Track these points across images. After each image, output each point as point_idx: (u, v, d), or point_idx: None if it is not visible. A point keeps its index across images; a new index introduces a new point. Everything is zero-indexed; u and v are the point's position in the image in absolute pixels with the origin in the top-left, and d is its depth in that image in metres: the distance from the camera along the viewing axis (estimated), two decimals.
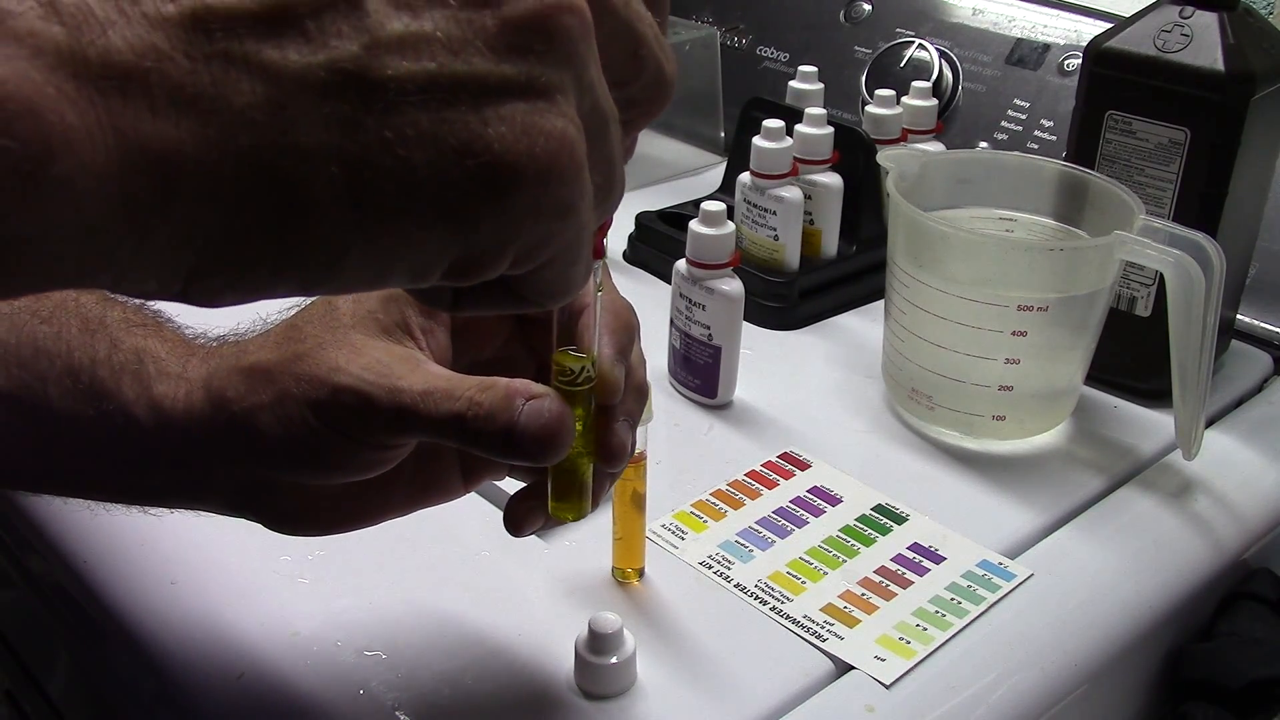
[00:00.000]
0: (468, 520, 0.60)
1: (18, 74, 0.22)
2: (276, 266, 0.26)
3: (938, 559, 0.58)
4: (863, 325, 0.80)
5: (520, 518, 0.43)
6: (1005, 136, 0.91)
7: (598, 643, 0.48)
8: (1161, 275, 0.62)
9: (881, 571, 0.57)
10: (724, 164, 0.96)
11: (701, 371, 0.69)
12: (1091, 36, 0.69)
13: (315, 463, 0.39)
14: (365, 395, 0.38)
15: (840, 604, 0.55)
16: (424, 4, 0.25)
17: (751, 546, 0.58)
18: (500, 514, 0.60)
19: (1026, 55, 0.92)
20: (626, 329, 0.41)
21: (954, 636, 0.53)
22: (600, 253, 0.37)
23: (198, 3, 0.24)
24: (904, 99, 0.86)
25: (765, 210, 0.78)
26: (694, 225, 0.67)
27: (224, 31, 0.24)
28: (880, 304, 0.71)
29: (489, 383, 0.38)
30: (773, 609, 0.54)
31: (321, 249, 0.26)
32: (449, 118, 0.25)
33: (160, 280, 0.26)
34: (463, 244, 0.27)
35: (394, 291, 0.41)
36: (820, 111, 0.79)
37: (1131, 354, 0.70)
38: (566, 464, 0.39)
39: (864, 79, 0.98)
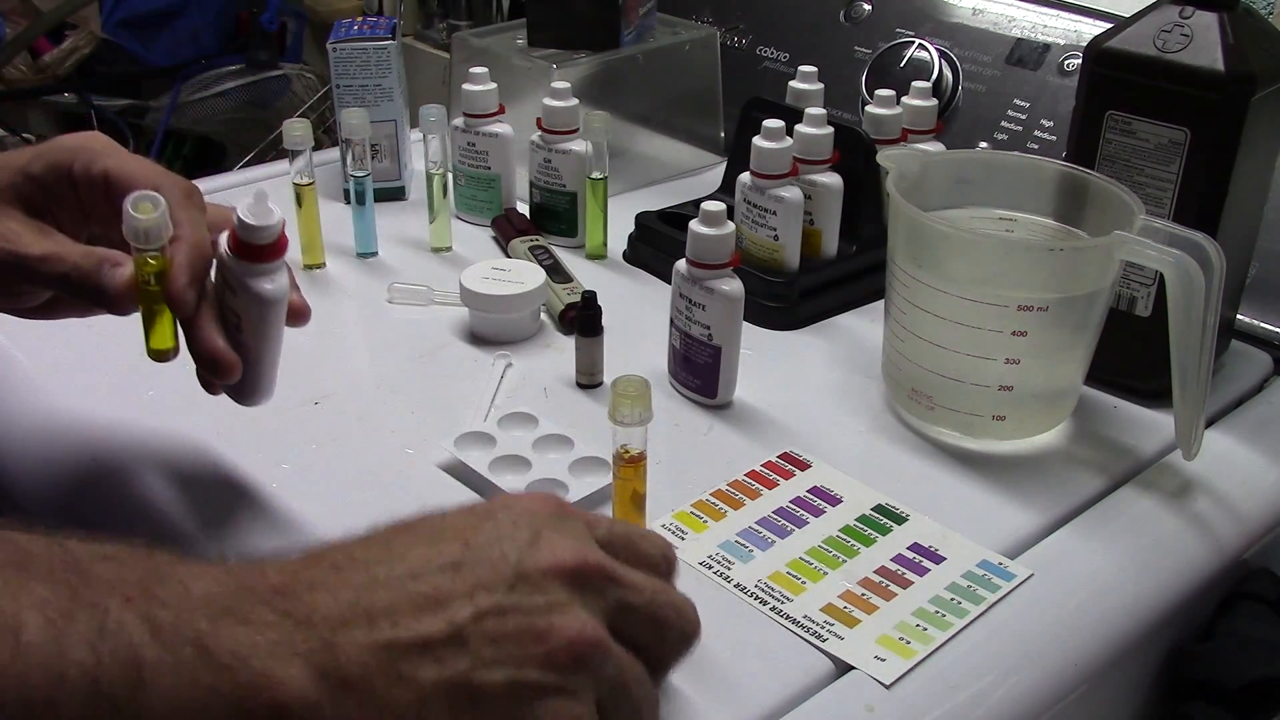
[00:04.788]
0: None
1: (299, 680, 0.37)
2: None
3: (938, 559, 0.58)
4: (863, 325, 0.80)
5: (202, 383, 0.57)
6: (1005, 136, 0.91)
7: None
8: (1161, 275, 0.62)
9: (881, 571, 0.57)
10: (724, 164, 0.96)
11: (701, 371, 0.69)
12: (1091, 36, 0.69)
13: None
14: None
15: (840, 604, 0.55)
16: (503, 636, 0.39)
17: (751, 546, 0.58)
18: None
19: (1026, 55, 0.92)
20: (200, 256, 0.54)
21: (954, 636, 0.53)
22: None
23: (400, 635, 0.39)
24: (904, 99, 0.86)
25: (765, 210, 0.78)
26: (694, 225, 0.67)
27: (407, 657, 0.39)
28: (880, 304, 0.71)
29: (90, 251, 0.54)
30: (773, 609, 0.54)
31: None
32: (515, 710, 0.39)
33: None
34: None
35: (33, 174, 0.55)
36: (820, 111, 0.79)
37: (1131, 354, 0.70)
38: (147, 312, 0.54)
39: (864, 79, 0.98)
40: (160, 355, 0.55)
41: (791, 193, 0.77)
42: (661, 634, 0.44)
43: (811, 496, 0.62)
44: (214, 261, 0.54)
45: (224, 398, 0.58)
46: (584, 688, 0.40)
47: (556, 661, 0.40)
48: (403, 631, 0.39)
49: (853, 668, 0.52)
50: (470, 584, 0.40)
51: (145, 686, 0.35)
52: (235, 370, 0.54)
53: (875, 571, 0.57)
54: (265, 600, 0.38)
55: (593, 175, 0.87)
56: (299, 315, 0.58)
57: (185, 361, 0.58)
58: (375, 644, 0.38)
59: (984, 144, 0.91)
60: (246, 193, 0.52)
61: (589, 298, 0.71)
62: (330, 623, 0.38)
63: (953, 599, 0.55)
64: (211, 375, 0.55)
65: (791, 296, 0.79)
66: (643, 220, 0.88)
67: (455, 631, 0.39)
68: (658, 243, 0.86)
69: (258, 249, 0.52)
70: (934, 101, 0.86)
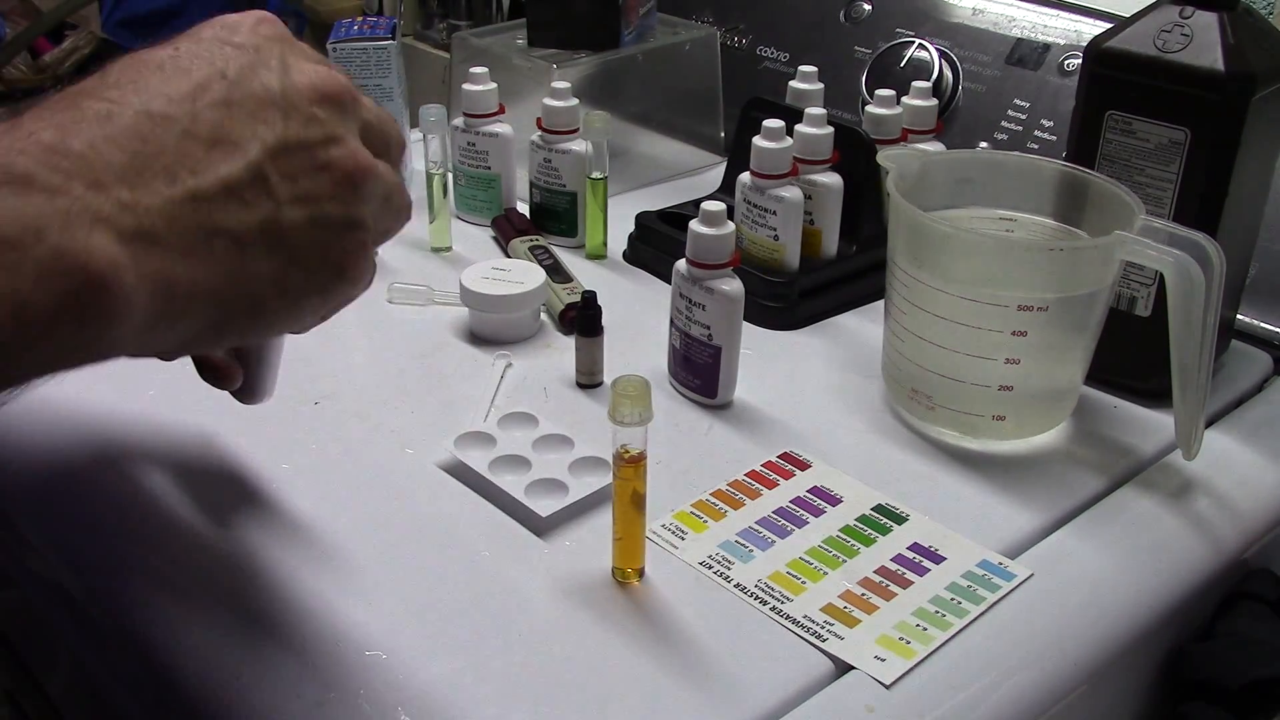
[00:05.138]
0: (468, 520, 0.60)
1: (101, 246, 0.35)
2: (232, 339, 0.43)
3: (938, 559, 0.58)
4: (863, 325, 0.80)
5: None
6: (1005, 136, 0.91)
7: None
8: (1161, 275, 0.62)
9: (881, 571, 0.57)
10: (724, 164, 0.96)
11: (701, 371, 0.69)
12: (1091, 36, 0.69)
13: None
14: None
15: (840, 604, 0.55)
16: (295, 172, 0.41)
17: (751, 546, 0.58)
18: (501, 514, 0.61)
19: (1026, 55, 0.92)
20: None
21: (954, 636, 0.53)
22: None
23: (201, 184, 0.38)
24: (904, 99, 0.86)
25: (765, 210, 0.78)
26: (694, 225, 0.67)
27: (212, 205, 0.38)
28: (880, 304, 0.71)
29: None
30: (773, 609, 0.54)
31: (263, 328, 0.43)
32: (321, 246, 0.42)
33: (159, 355, 0.42)
34: (320, 316, 0.45)
35: None
36: (820, 111, 0.79)
37: (1131, 354, 0.70)
38: None
39: (864, 79, 0.98)
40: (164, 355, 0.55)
41: (791, 193, 0.77)
42: (388, 144, 0.46)
43: (811, 496, 0.62)
44: None
45: (224, 397, 0.58)
46: (366, 214, 0.43)
47: (343, 193, 0.41)
48: (204, 179, 0.38)
49: (853, 668, 0.52)
50: (248, 119, 0.40)
51: None
52: (235, 378, 0.55)
53: (875, 571, 0.57)
54: (44, 163, 0.35)
55: (593, 175, 0.87)
56: None
57: (184, 362, 0.58)
58: (180, 196, 0.37)
59: (984, 144, 0.91)
60: None
61: (589, 298, 0.71)
62: (125, 180, 0.36)
63: (953, 599, 0.55)
64: (211, 383, 0.55)
65: (791, 296, 0.79)
66: (643, 220, 0.88)
67: (254, 173, 0.39)
68: (658, 243, 0.86)
69: None
70: (934, 101, 0.86)
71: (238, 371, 0.55)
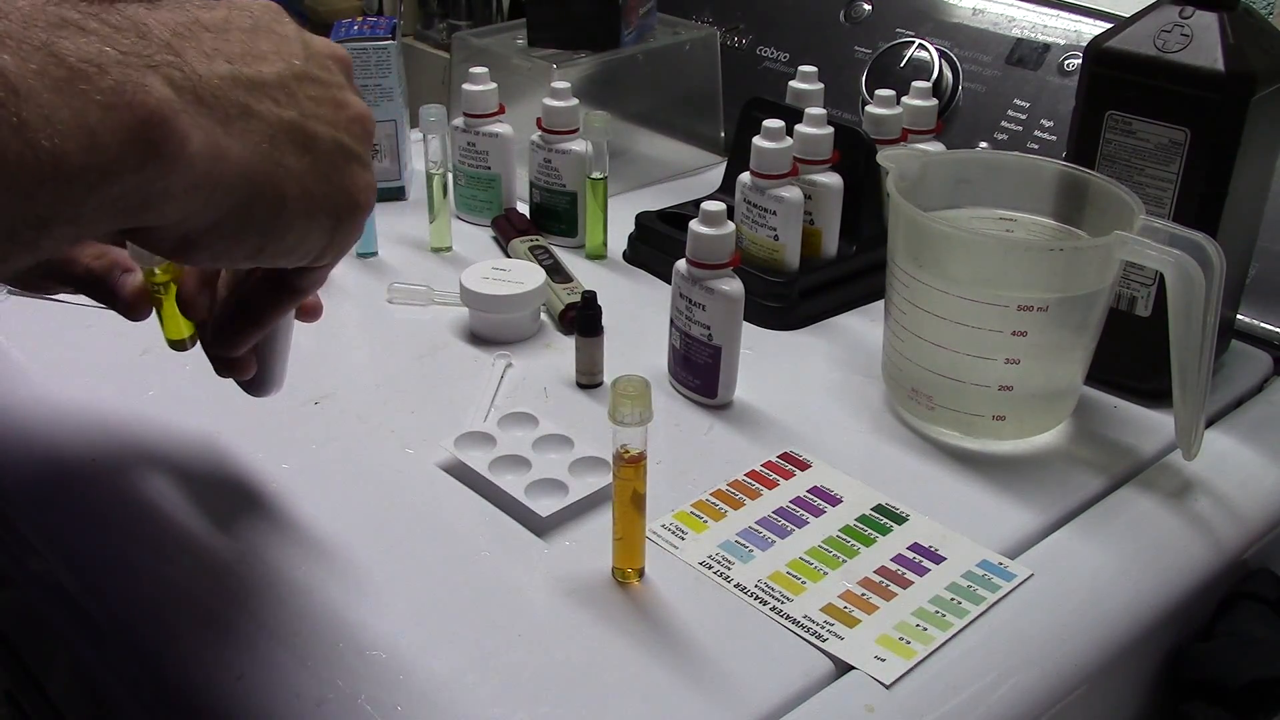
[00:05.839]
0: (468, 520, 0.60)
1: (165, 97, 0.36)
2: (251, 238, 0.42)
3: (938, 559, 0.58)
4: (863, 325, 0.80)
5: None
6: (1005, 136, 0.91)
7: None
8: (1161, 275, 0.62)
9: (881, 571, 0.57)
10: (724, 164, 0.96)
11: (701, 371, 0.69)
12: (1091, 36, 0.69)
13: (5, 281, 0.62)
14: None
15: (840, 604, 0.55)
16: (318, 98, 0.43)
17: (751, 546, 0.58)
18: (500, 514, 0.61)
19: (1026, 55, 0.92)
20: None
21: (954, 636, 0.53)
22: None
23: (238, 71, 0.40)
24: (904, 99, 0.86)
25: (765, 210, 0.78)
26: (694, 225, 0.67)
27: (248, 90, 0.40)
28: (880, 304, 0.71)
29: (102, 253, 0.56)
30: (773, 609, 0.54)
31: (281, 231, 0.42)
32: (337, 166, 0.44)
33: (194, 245, 0.41)
34: (329, 240, 0.45)
35: None
36: (820, 111, 0.79)
37: (1131, 354, 0.70)
38: (160, 309, 0.55)
39: (864, 79, 0.98)
40: (177, 345, 0.56)
41: (791, 193, 0.77)
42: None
43: (811, 496, 0.62)
44: None
45: (223, 397, 0.58)
46: (369, 162, 0.46)
47: (356, 131, 0.45)
48: (241, 69, 0.40)
49: (853, 668, 0.52)
50: (275, 47, 0.42)
51: (19, 94, 0.33)
52: (249, 368, 0.55)
53: (875, 571, 0.57)
54: (94, 16, 0.36)
55: (593, 175, 0.87)
56: (310, 311, 0.58)
57: (185, 362, 0.58)
58: (221, 72, 0.39)
59: (984, 144, 0.91)
60: None
61: (589, 298, 0.71)
62: (171, 49, 0.38)
63: (953, 599, 0.55)
64: (224, 374, 0.55)
65: (791, 296, 0.79)
66: (643, 220, 0.88)
67: (283, 80, 0.42)
68: (658, 243, 0.86)
69: None
70: (934, 101, 0.86)
71: (251, 362, 0.55)
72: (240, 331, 0.52)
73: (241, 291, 0.52)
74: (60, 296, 0.62)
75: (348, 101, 0.45)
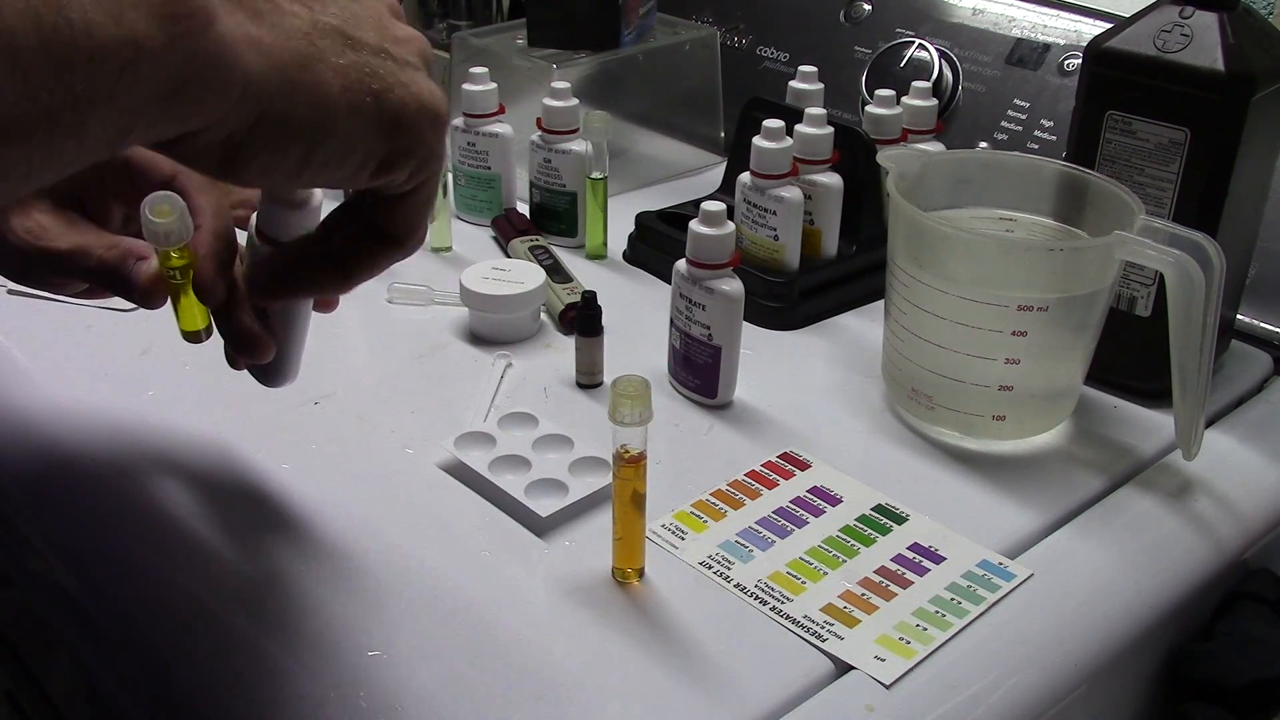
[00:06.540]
0: (468, 520, 0.60)
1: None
2: (292, 141, 0.39)
3: (938, 559, 0.58)
4: (863, 325, 0.80)
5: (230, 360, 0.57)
6: (1005, 136, 0.91)
7: None
8: (1161, 275, 0.62)
9: (881, 571, 0.57)
10: (724, 164, 0.96)
11: (701, 371, 0.69)
12: (1091, 36, 0.69)
13: (13, 278, 0.58)
14: (22, 252, 0.54)
15: (840, 604, 0.55)
16: (385, 17, 0.43)
17: (751, 546, 0.58)
18: (500, 514, 0.61)
19: (1026, 55, 0.92)
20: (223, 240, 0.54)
21: (954, 636, 0.53)
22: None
23: None
24: (904, 99, 0.86)
25: (765, 210, 0.78)
26: (694, 225, 0.67)
27: None
28: (880, 304, 0.71)
29: (114, 243, 0.54)
30: (773, 609, 0.54)
31: (322, 137, 0.40)
32: (387, 65, 0.42)
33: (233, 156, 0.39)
34: (388, 146, 0.42)
35: None
36: (820, 111, 0.79)
37: (1131, 354, 0.70)
38: (176, 298, 0.54)
39: (864, 79, 0.98)
40: (192, 336, 0.55)
41: (791, 193, 0.77)
42: None
43: (811, 496, 0.62)
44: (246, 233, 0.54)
45: (223, 397, 0.58)
46: (429, 73, 0.44)
47: (407, 47, 0.43)
48: None
49: (853, 668, 0.52)
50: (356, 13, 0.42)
51: None
52: (269, 351, 0.54)
53: (875, 571, 0.57)
54: None
55: (593, 175, 0.87)
56: (327, 302, 0.58)
57: (185, 362, 0.58)
58: None
59: (984, 144, 0.91)
60: None
61: (589, 298, 0.71)
62: None
63: (953, 599, 0.55)
64: (244, 356, 0.54)
65: (791, 296, 0.79)
66: (643, 220, 0.88)
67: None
68: (658, 243, 0.86)
69: None
70: (934, 101, 0.86)
71: (270, 344, 0.54)
72: (323, 281, 0.51)
73: (334, 243, 0.49)
74: (60, 297, 0.62)
75: (395, 25, 0.44)
